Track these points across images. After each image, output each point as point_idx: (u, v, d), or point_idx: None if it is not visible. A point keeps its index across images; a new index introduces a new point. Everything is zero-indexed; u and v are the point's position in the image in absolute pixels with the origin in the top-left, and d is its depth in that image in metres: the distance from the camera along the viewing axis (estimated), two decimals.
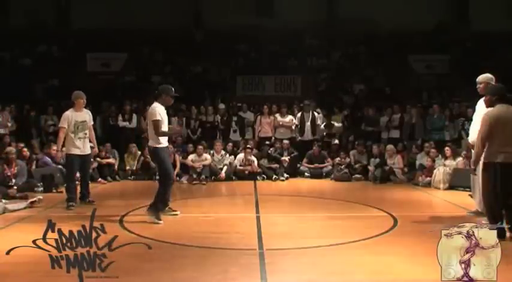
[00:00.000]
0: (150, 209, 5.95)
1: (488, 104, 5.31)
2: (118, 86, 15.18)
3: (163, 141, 6.09)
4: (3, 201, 6.90)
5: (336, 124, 11.95)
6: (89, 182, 7.62)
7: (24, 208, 6.74)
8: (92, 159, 9.78)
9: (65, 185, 7.47)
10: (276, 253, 4.58)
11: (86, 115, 7.20)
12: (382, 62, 15.83)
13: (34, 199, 7.03)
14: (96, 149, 7.79)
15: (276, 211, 6.92)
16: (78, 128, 6.98)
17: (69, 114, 7.01)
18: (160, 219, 5.84)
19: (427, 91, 14.20)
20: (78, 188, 7.37)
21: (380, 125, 11.90)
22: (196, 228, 5.69)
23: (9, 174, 8.18)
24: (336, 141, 11.42)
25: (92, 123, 7.42)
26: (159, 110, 5.99)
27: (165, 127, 6.05)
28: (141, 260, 4.22)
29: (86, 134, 7.11)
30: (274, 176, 10.35)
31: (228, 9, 17.05)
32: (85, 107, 7.35)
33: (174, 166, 10.02)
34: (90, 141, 7.47)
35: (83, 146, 7.09)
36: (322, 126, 11.71)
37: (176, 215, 6.26)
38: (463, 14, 17.57)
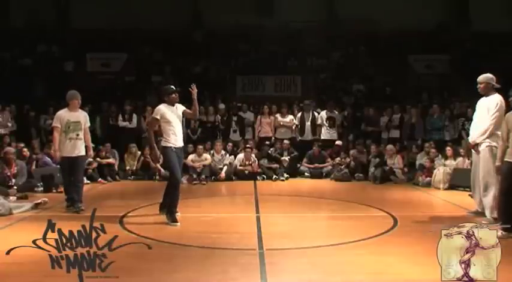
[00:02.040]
0: (167, 214, 5.96)
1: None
2: (118, 86, 15.18)
3: (173, 141, 6.03)
4: (11, 198, 6.92)
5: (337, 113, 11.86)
6: (81, 186, 6.99)
7: (30, 209, 6.67)
8: (91, 159, 9.85)
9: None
10: (276, 253, 4.58)
11: (81, 116, 6.82)
12: (382, 62, 15.81)
13: (39, 201, 6.92)
14: (91, 153, 7.33)
15: (276, 211, 6.91)
16: (69, 128, 6.63)
17: (62, 113, 6.74)
18: (175, 221, 5.80)
19: (427, 91, 14.20)
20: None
21: (380, 125, 11.90)
22: (196, 228, 5.69)
23: (9, 174, 8.18)
24: (339, 142, 11.35)
25: (89, 125, 6.99)
26: (161, 110, 6.05)
27: (170, 127, 6.01)
28: (141, 260, 4.22)
29: (78, 135, 6.68)
30: (274, 176, 10.35)
31: (228, 9, 17.03)
32: (83, 107, 7.16)
33: None
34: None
35: (73, 147, 6.67)
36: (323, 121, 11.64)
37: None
38: (463, 14, 17.56)
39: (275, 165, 10.66)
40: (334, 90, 15.06)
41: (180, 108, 6.25)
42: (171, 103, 6.14)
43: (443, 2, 17.88)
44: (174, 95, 6.15)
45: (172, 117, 6.07)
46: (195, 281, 3.83)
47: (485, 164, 5.86)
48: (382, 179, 9.88)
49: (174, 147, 6.01)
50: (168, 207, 5.96)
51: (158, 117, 6.03)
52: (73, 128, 6.67)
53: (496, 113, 5.80)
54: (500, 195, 5.27)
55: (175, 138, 6.04)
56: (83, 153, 6.83)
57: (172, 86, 6.27)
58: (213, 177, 10.18)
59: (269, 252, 4.59)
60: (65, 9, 18.05)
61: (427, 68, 16.03)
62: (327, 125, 11.56)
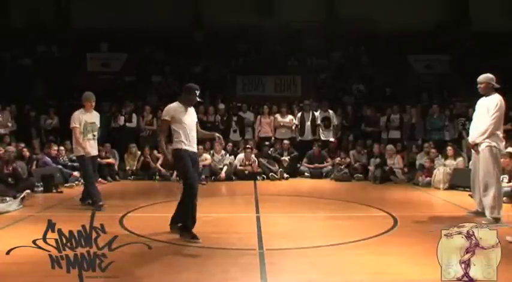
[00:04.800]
0: (182, 232, 5.10)
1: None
2: (118, 86, 15.19)
3: (186, 143, 5.12)
4: (7, 198, 6.95)
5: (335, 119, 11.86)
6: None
7: (19, 207, 6.75)
8: None
9: (84, 185, 7.27)
10: (276, 253, 4.58)
11: (96, 117, 7.09)
12: (382, 62, 15.82)
13: (22, 195, 7.05)
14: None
15: (276, 211, 6.91)
16: (87, 128, 6.88)
17: (78, 114, 6.89)
18: (197, 238, 4.95)
19: (427, 91, 14.20)
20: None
21: (380, 125, 11.89)
22: (196, 228, 5.65)
23: (7, 172, 8.17)
24: (332, 139, 11.38)
25: (98, 125, 7.19)
26: (172, 109, 5.13)
27: (183, 128, 5.12)
28: (141, 260, 4.22)
29: (94, 135, 7.00)
30: (271, 174, 10.35)
31: (228, 9, 17.03)
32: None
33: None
34: None
35: (92, 147, 6.97)
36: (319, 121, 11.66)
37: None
38: (463, 14, 17.55)
39: (275, 167, 10.65)
40: (334, 90, 15.06)
41: (193, 112, 5.36)
42: (188, 103, 5.23)
43: (443, 2, 17.87)
44: (195, 97, 5.24)
45: (185, 118, 5.17)
46: (195, 281, 3.83)
47: (485, 164, 5.86)
48: (382, 179, 9.88)
49: (187, 150, 5.11)
50: (183, 222, 5.12)
51: (168, 118, 5.11)
52: (90, 128, 6.91)
53: (495, 113, 5.80)
54: None
55: (187, 141, 5.13)
56: (97, 153, 7.30)
57: (197, 87, 5.32)
58: (213, 177, 10.18)
59: (269, 252, 4.58)
60: (65, 9, 18.04)
61: (427, 68, 16.02)
62: (322, 125, 11.56)
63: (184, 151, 5.09)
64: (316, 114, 11.72)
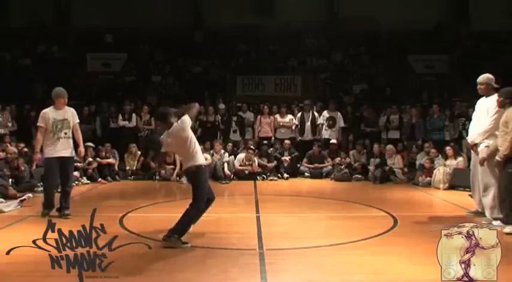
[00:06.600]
0: (169, 237, 4.79)
1: (500, 105, 5.54)
2: (118, 86, 15.19)
3: (202, 158, 5.20)
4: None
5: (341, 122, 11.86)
6: (69, 191, 6.48)
7: (16, 208, 6.77)
8: (91, 159, 9.87)
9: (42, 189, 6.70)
10: (276, 253, 4.58)
11: (68, 113, 6.41)
12: (382, 62, 15.83)
13: (23, 197, 7.03)
14: (81, 150, 6.73)
15: (276, 211, 6.91)
16: (57, 127, 6.26)
17: (47, 112, 6.34)
18: (186, 243, 4.83)
19: (427, 91, 14.20)
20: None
21: (379, 126, 11.87)
22: (196, 228, 5.67)
23: (8, 173, 8.17)
24: (334, 140, 11.38)
25: (77, 121, 6.53)
26: (188, 122, 5.19)
27: (196, 142, 5.23)
28: (141, 260, 4.22)
29: (66, 133, 6.32)
30: (268, 174, 10.36)
31: (228, 9, 17.06)
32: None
33: (174, 165, 10.05)
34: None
35: (63, 146, 6.29)
36: (323, 121, 11.66)
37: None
38: (463, 14, 17.59)
39: (271, 164, 10.65)
40: (334, 90, 15.07)
41: None
42: (193, 115, 5.34)
43: (443, 2, 17.91)
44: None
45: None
46: (195, 281, 3.83)
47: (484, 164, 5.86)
48: (382, 179, 9.88)
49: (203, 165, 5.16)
50: (175, 231, 4.84)
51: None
52: (60, 126, 6.31)
53: (495, 114, 5.80)
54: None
55: (201, 154, 5.22)
56: (73, 154, 6.47)
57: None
58: (224, 181, 9.99)
59: (269, 252, 4.58)
60: (65, 9, 18.08)
61: (427, 68, 16.03)
62: (326, 124, 11.56)
63: (203, 168, 5.14)
64: (317, 114, 11.72)
